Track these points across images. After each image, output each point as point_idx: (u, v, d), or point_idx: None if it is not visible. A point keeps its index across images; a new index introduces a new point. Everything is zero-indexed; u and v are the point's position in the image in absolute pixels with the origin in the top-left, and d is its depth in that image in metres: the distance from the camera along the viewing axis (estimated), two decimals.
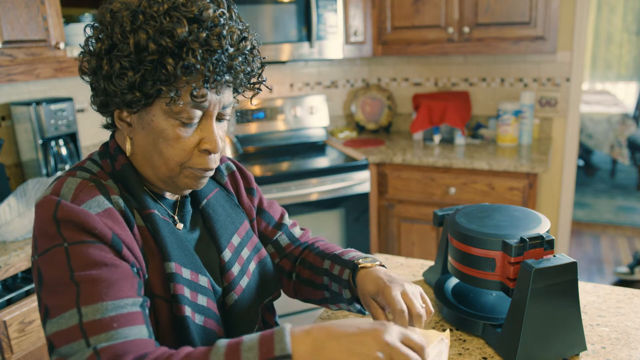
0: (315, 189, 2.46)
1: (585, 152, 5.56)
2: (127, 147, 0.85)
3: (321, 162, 2.67)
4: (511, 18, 2.57)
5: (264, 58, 0.90)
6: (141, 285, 0.77)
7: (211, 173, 0.88)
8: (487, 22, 2.61)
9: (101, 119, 0.90)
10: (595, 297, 1.21)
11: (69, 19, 2.13)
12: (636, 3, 6.50)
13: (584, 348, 0.99)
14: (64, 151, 2.17)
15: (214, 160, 0.86)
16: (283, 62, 2.79)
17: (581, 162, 5.73)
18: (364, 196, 2.61)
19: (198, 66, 0.75)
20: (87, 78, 0.83)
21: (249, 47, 0.82)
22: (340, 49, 2.69)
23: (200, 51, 0.75)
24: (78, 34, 2.08)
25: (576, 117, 2.89)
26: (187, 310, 0.81)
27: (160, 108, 0.79)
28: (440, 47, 2.75)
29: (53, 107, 2.10)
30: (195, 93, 0.77)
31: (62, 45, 1.95)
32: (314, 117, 2.98)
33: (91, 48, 0.80)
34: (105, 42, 0.77)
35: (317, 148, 2.94)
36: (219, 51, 0.76)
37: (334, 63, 3.23)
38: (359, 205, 2.61)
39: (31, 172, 2.15)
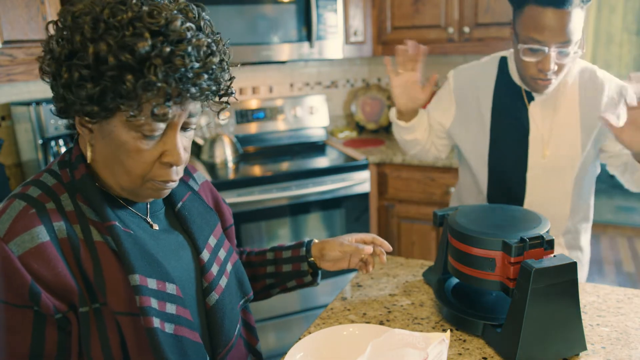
0: (315, 189, 2.46)
1: None
2: (88, 154, 0.83)
3: (321, 162, 2.67)
4: (511, 18, 2.56)
5: (237, 65, 0.87)
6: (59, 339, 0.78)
7: (174, 185, 0.85)
8: (487, 22, 2.61)
9: None
10: (595, 297, 1.21)
11: None
12: (636, 3, 6.49)
13: (584, 348, 0.99)
14: (63, 151, 2.17)
15: (177, 172, 0.83)
16: (283, 62, 2.79)
17: None
18: (364, 196, 2.60)
19: (159, 84, 0.71)
20: (47, 79, 0.80)
21: (217, 61, 0.77)
22: (340, 49, 2.69)
23: (162, 68, 0.71)
24: None
25: None
26: (156, 322, 0.79)
27: (121, 120, 0.76)
28: (440, 47, 2.74)
29: (53, 107, 2.10)
30: (156, 111, 0.73)
31: None
32: (314, 117, 2.98)
33: (52, 48, 0.75)
34: (66, 47, 0.73)
35: (317, 148, 2.94)
36: (182, 69, 0.72)
37: (334, 63, 3.23)
38: (359, 205, 2.61)
39: (31, 172, 2.15)
